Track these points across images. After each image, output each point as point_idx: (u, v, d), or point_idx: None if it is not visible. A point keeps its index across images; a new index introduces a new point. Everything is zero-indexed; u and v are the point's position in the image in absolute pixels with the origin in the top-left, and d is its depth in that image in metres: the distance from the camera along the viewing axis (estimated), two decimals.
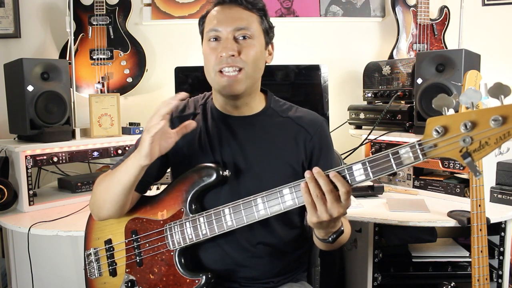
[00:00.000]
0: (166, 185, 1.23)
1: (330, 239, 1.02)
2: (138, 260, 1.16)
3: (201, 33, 1.20)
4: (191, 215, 1.12)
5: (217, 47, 1.12)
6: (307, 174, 0.94)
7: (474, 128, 0.78)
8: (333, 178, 0.93)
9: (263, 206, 1.02)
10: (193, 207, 1.13)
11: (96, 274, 1.22)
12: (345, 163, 0.97)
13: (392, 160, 0.89)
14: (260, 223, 1.09)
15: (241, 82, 1.12)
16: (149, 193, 1.54)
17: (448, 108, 0.83)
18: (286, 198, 1.00)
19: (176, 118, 1.24)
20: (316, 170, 0.93)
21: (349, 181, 0.93)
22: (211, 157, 1.17)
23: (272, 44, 1.22)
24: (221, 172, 1.11)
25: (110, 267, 1.20)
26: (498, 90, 0.77)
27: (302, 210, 1.23)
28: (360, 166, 0.92)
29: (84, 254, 1.25)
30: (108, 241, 1.21)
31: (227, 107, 1.20)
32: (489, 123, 0.76)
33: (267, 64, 1.21)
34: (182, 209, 1.13)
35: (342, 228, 1.03)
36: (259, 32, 1.15)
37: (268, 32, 1.20)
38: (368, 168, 0.91)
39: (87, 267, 1.24)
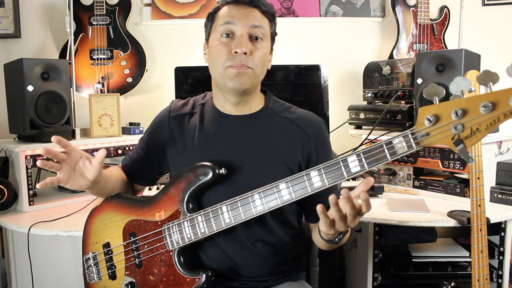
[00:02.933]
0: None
1: (336, 239, 1.04)
2: (137, 262, 1.16)
3: (209, 28, 1.20)
4: (188, 214, 1.12)
5: (229, 43, 1.12)
6: (331, 199, 0.91)
7: (465, 115, 0.80)
8: (364, 203, 0.92)
9: (260, 202, 1.03)
10: (191, 206, 1.13)
11: (96, 278, 1.22)
12: None
13: (386, 150, 0.90)
14: (258, 222, 1.09)
15: (249, 78, 1.12)
16: (149, 193, 1.54)
17: (438, 97, 0.85)
18: (283, 193, 1.00)
19: (172, 118, 1.25)
20: (346, 194, 0.90)
21: (345, 173, 0.94)
22: (207, 155, 1.17)
23: (272, 51, 1.24)
24: (217, 171, 1.11)
25: (109, 271, 1.20)
26: (486, 77, 0.78)
27: (299, 210, 1.24)
28: (354, 158, 0.93)
29: (83, 259, 1.25)
30: (106, 245, 1.21)
31: (226, 106, 1.21)
32: (479, 109, 0.77)
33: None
34: (180, 209, 1.13)
35: (348, 229, 1.03)
36: (268, 35, 1.18)
37: (274, 38, 1.22)
38: (363, 159, 0.92)
39: (86, 271, 1.24)
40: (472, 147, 1.43)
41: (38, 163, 1.03)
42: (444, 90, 0.85)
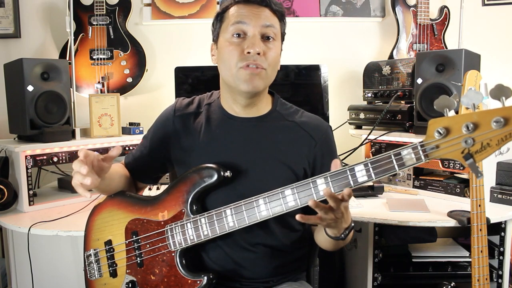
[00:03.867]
0: (166, 185, 1.23)
1: (342, 235, 1.03)
2: (138, 261, 1.16)
3: (218, 28, 1.18)
4: (192, 216, 1.12)
5: (241, 43, 1.10)
6: (311, 203, 0.93)
7: (476, 129, 0.79)
8: (330, 198, 0.93)
9: (265, 207, 1.03)
10: (194, 208, 1.13)
11: (96, 275, 1.22)
12: (345, 164, 0.98)
13: (394, 161, 0.89)
14: (260, 225, 1.09)
15: (262, 79, 1.11)
16: (149, 193, 1.55)
17: (449, 109, 0.84)
18: (288, 199, 1.00)
19: (177, 117, 1.24)
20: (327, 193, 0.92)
21: (352, 182, 0.94)
22: (213, 157, 1.16)
23: (281, 51, 1.22)
24: (222, 173, 1.11)
25: (111, 268, 1.20)
26: (499, 92, 0.77)
27: (302, 213, 1.23)
28: (362, 167, 0.93)
29: (84, 255, 1.25)
30: (108, 242, 1.21)
31: (234, 107, 1.20)
32: (491, 124, 0.76)
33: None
34: (183, 210, 1.13)
35: (352, 224, 1.04)
36: (279, 35, 1.17)
37: (284, 37, 1.21)
38: (371, 169, 0.92)
39: (87, 268, 1.24)
40: None
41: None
42: (456, 102, 0.84)
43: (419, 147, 0.87)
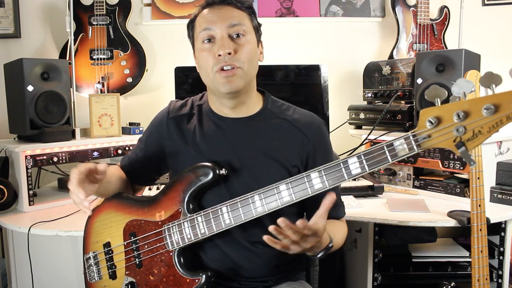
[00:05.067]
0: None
1: (319, 256, 1.03)
2: (137, 262, 1.16)
3: (191, 37, 1.20)
4: (189, 215, 1.12)
5: (212, 48, 1.12)
6: (271, 229, 0.93)
7: (467, 117, 0.79)
8: (306, 231, 0.93)
9: (261, 203, 1.03)
10: (191, 207, 1.13)
11: (96, 278, 1.22)
12: None
13: (387, 152, 0.90)
14: (256, 224, 1.09)
15: (240, 78, 1.11)
16: (149, 193, 1.55)
17: (440, 99, 0.84)
18: (283, 194, 1.01)
19: (171, 119, 1.24)
20: (283, 223, 0.92)
21: (345, 174, 0.94)
22: (207, 158, 1.16)
23: (261, 42, 1.22)
24: (217, 171, 1.11)
25: (110, 270, 1.20)
26: (489, 79, 0.78)
27: (299, 211, 1.23)
28: (355, 160, 0.93)
29: (83, 258, 1.25)
30: (107, 244, 1.21)
31: (223, 109, 1.20)
32: (482, 112, 0.77)
33: (259, 63, 1.21)
34: (180, 209, 1.13)
35: (330, 245, 1.03)
36: (251, 29, 1.16)
37: (258, 29, 1.21)
38: (364, 161, 0.93)
39: (87, 270, 1.24)
40: None
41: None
42: (446, 92, 0.84)
43: (411, 137, 0.87)
